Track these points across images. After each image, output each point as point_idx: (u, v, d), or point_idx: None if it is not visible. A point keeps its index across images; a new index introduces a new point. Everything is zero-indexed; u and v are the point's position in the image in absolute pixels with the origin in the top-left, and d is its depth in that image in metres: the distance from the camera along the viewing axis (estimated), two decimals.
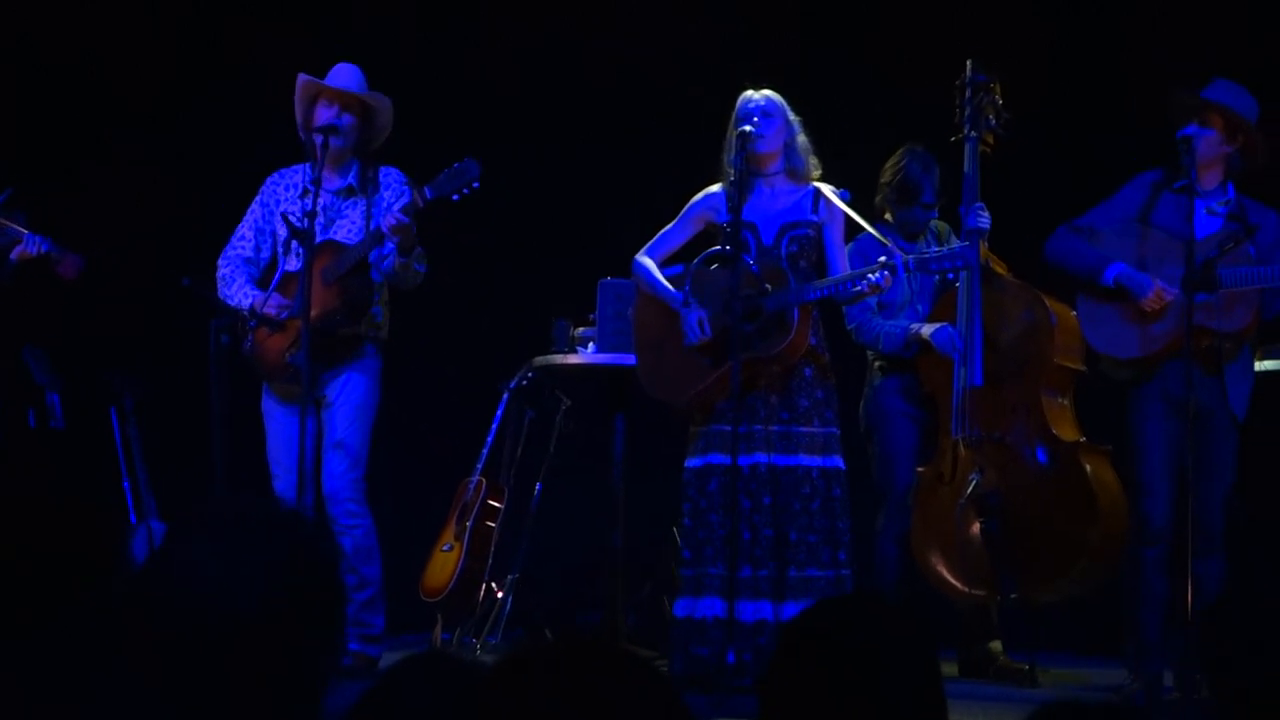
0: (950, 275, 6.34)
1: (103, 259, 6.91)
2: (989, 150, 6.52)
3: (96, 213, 7.44)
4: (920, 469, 6.56)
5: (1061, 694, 5.93)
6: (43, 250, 6.58)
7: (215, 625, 1.79)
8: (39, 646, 2.02)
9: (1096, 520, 6.22)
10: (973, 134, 6.49)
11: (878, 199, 6.77)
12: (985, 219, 6.42)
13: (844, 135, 6.75)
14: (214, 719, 1.78)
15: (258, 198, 6.53)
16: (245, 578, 1.81)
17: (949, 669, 6.64)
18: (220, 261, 6.54)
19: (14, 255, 6.65)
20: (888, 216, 6.76)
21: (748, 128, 6.03)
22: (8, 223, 6.60)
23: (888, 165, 6.78)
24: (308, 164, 6.31)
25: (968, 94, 6.51)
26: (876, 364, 6.76)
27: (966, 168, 6.49)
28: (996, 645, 6.69)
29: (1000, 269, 6.56)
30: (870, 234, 6.20)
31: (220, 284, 6.50)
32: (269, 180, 6.54)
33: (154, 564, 1.88)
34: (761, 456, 6.00)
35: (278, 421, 6.38)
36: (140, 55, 8.12)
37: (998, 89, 6.50)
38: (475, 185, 6.00)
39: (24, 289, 6.93)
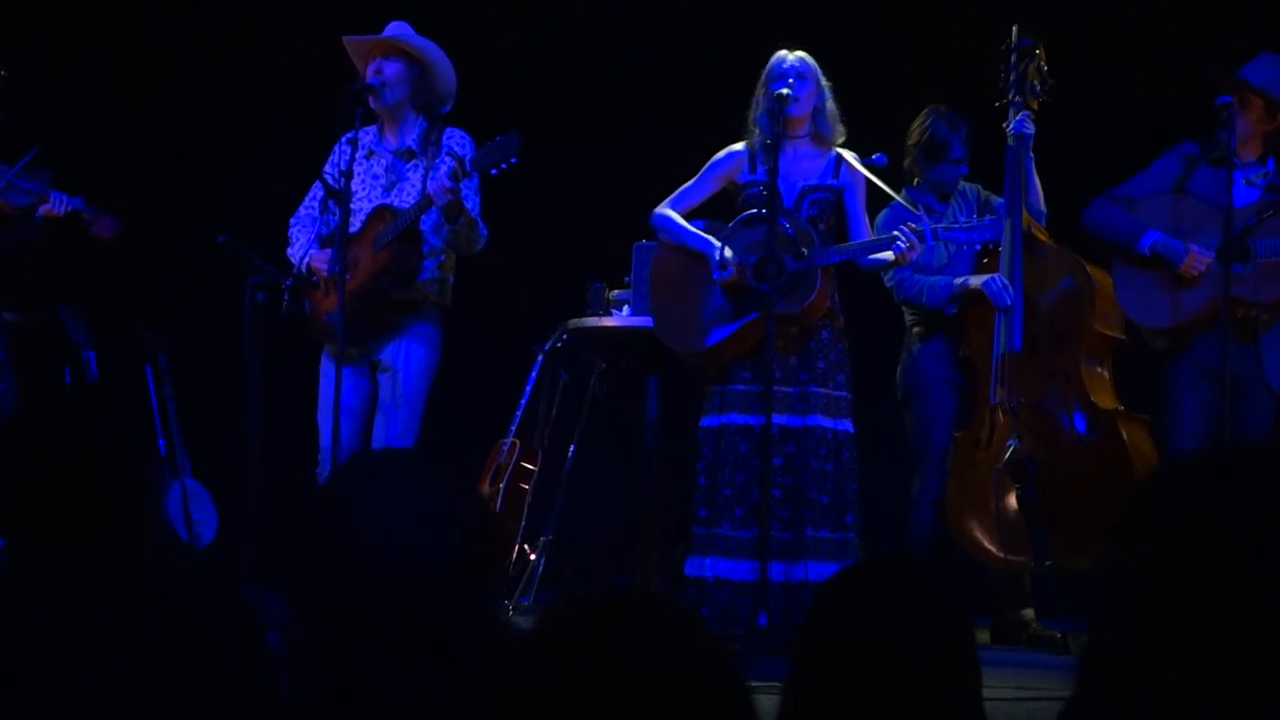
0: (977, 246, 6.31)
1: (139, 217, 6.92)
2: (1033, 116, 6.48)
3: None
4: (957, 434, 6.54)
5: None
6: (70, 209, 6.59)
7: (407, 569, 1.80)
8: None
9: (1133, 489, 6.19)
10: (1017, 99, 6.44)
11: (906, 162, 6.74)
12: (1030, 126, 6.38)
13: (878, 103, 6.72)
14: (406, 660, 1.79)
15: (328, 159, 6.47)
16: (438, 526, 1.83)
17: (981, 636, 6.62)
18: (291, 221, 6.52)
19: (40, 213, 6.66)
20: (917, 181, 6.74)
21: (785, 90, 6.01)
22: (24, 183, 6.61)
23: (913, 127, 6.76)
24: (375, 125, 6.36)
25: (1013, 59, 6.46)
26: (915, 329, 6.73)
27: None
28: (1029, 613, 6.67)
29: (1042, 236, 6.52)
30: (901, 203, 6.20)
31: (290, 244, 6.49)
32: (340, 141, 6.45)
33: (339, 519, 1.88)
34: (776, 418, 5.97)
35: (331, 380, 6.30)
36: (140, 55, 8.12)
37: (1043, 55, 6.45)
38: (514, 160, 5.95)
39: (58, 248, 6.94)
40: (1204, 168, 6.02)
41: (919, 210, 6.12)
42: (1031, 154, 6.46)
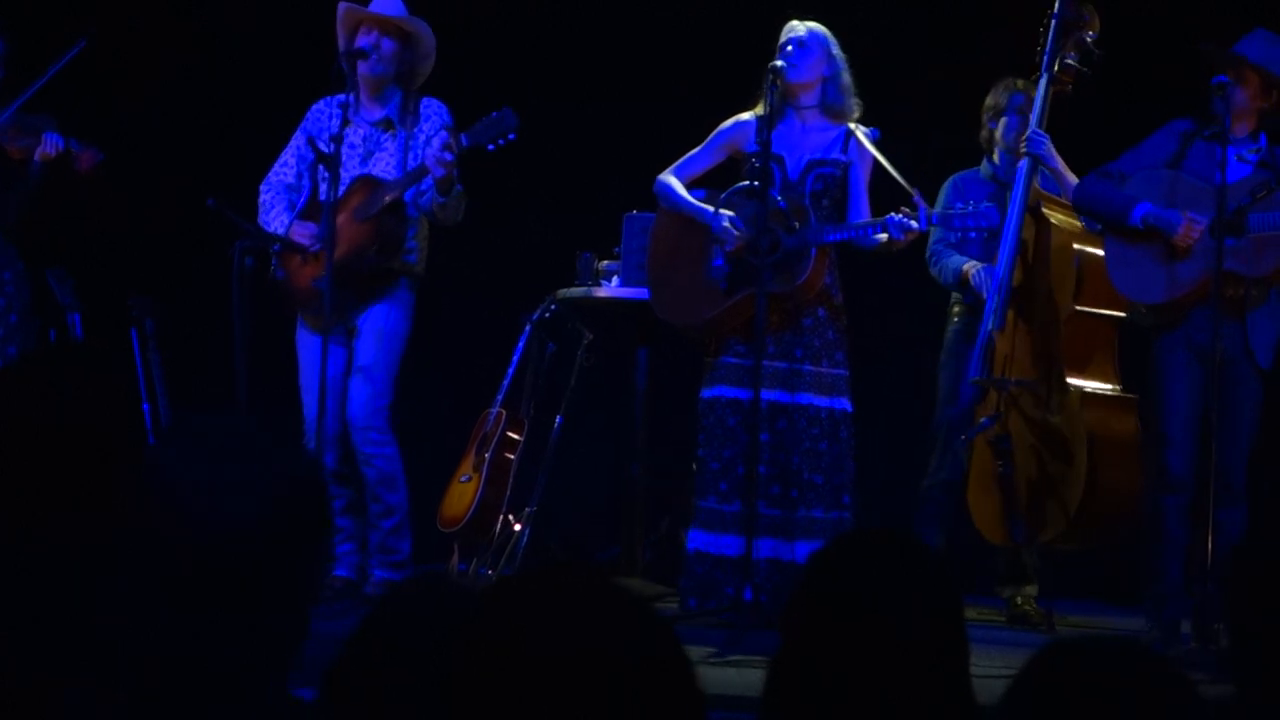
0: (973, 234, 6.27)
1: (124, 166, 6.90)
2: (1064, 90, 6.42)
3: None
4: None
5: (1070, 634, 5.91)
6: (60, 148, 6.59)
7: (203, 540, 1.77)
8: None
9: (1096, 470, 6.21)
10: (1048, 70, 6.39)
11: (983, 134, 6.77)
12: (1036, 145, 6.33)
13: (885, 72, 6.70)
14: (202, 634, 1.76)
15: (301, 125, 6.46)
16: (233, 493, 1.80)
17: (994, 617, 6.64)
18: (262, 187, 6.50)
19: (37, 158, 6.66)
20: (995, 159, 6.72)
21: (778, 63, 5.98)
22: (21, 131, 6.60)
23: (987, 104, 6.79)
24: (351, 93, 6.32)
25: (1052, 27, 6.39)
26: (955, 307, 6.75)
27: (1036, 103, 6.41)
28: (1031, 590, 6.68)
29: (1056, 213, 6.47)
30: (898, 180, 6.20)
31: (260, 209, 6.47)
32: (313, 108, 6.44)
33: (141, 481, 1.86)
34: (765, 393, 5.95)
35: (309, 350, 6.30)
36: (140, 51, 8.07)
37: (1093, 25, 6.37)
38: (511, 136, 5.96)
39: (47, 209, 6.91)
40: (1198, 144, 6.00)
41: (914, 193, 6.03)
42: (1058, 158, 6.39)
